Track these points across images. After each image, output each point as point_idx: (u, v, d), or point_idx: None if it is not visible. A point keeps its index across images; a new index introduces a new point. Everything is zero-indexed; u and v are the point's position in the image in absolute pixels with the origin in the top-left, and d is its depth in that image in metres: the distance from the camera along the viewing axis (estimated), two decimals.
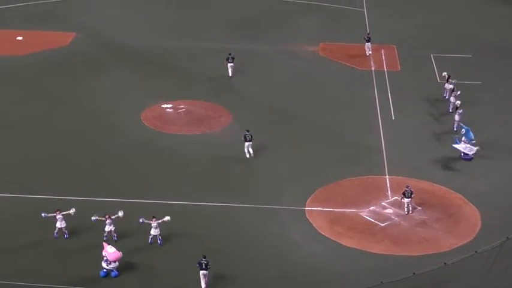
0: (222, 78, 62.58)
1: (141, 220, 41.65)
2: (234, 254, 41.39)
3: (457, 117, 53.96)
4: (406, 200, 44.90)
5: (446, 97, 58.39)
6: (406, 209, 44.99)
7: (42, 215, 41.89)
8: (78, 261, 40.36)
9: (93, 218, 41.71)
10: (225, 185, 47.87)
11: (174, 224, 42.37)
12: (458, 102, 55.07)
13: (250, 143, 50.51)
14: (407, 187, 45.15)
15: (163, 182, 47.86)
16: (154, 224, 41.48)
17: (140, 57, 66.69)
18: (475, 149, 50.60)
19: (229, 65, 62.88)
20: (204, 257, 39.26)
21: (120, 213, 41.98)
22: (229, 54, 63.25)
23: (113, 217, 41.70)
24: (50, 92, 59.75)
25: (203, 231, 42.93)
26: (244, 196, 46.53)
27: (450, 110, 56.51)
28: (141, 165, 49.70)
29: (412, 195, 44.90)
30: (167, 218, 41.82)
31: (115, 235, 41.72)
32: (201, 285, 39.21)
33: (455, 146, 50.99)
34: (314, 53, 68.82)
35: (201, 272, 39.26)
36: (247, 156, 50.61)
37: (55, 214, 41.80)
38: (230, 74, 62.82)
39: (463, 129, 51.35)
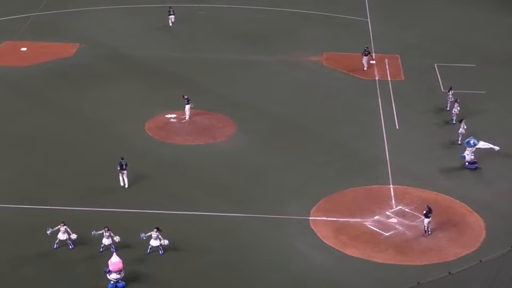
0: (227, 88, 62.70)
1: (142, 236, 41.47)
2: (238, 264, 41.35)
3: (461, 131, 53.63)
4: (427, 220, 43.96)
5: (448, 108, 58.34)
6: (427, 230, 44.12)
7: (48, 233, 41.58)
8: (83, 272, 40.29)
9: (92, 232, 41.54)
10: (229, 195, 47.86)
11: (178, 234, 42.42)
12: (464, 123, 54.42)
13: (189, 105, 56.60)
14: (429, 208, 43.91)
15: (167, 192, 47.89)
16: (154, 235, 41.28)
17: (144, 68, 66.85)
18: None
19: (170, 16, 75.62)
20: (122, 159, 47.70)
21: (116, 239, 41.49)
22: (170, 7, 76.21)
23: (112, 235, 41.35)
24: (54, 103, 59.88)
25: (208, 241, 42.91)
26: (249, 206, 46.52)
27: (454, 122, 56.46)
28: (145, 175, 49.69)
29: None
30: (166, 241, 41.42)
31: (113, 247, 41.18)
32: (121, 184, 47.81)
33: (466, 154, 51.13)
34: (318, 62, 68.90)
35: (121, 171, 47.55)
36: (188, 118, 56.86)
37: (59, 226, 41.56)
38: (170, 24, 75.48)
39: (466, 144, 51.36)
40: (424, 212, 43.95)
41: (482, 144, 51.52)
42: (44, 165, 50.80)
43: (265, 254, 42.24)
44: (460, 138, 53.55)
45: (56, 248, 41.75)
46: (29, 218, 44.71)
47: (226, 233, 43.87)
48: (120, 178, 48.04)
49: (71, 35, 73.50)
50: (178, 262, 41.34)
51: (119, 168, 47.91)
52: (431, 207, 43.96)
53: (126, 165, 47.91)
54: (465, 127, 53.54)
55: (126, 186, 48.05)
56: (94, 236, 41.56)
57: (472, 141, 50.97)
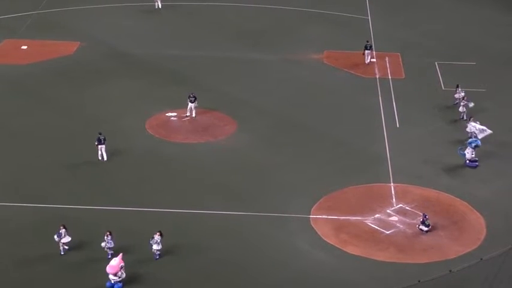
0: (228, 86, 62.68)
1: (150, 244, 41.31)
2: (238, 262, 41.37)
3: (471, 128, 53.37)
4: (424, 229, 43.99)
5: (455, 103, 58.30)
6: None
7: (56, 238, 41.07)
8: (83, 271, 40.27)
9: (151, 245, 41.08)
10: (230, 193, 47.86)
11: (179, 233, 42.41)
12: (473, 120, 54.23)
13: (194, 104, 56.90)
14: (426, 217, 44.15)
15: (168, 191, 47.87)
16: (157, 238, 40.76)
17: (145, 66, 66.78)
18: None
19: (158, 1, 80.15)
20: (100, 133, 50.28)
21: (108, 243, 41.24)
22: None
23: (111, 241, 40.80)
24: (55, 101, 59.84)
25: (209, 240, 42.92)
26: (249, 204, 46.52)
27: (465, 118, 56.11)
28: (145, 174, 49.74)
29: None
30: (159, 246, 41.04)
31: (110, 252, 40.55)
32: (99, 158, 50.35)
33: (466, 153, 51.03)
34: (319, 61, 68.83)
35: (99, 146, 50.19)
36: (188, 114, 57.01)
37: (60, 228, 41.05)
38: (160, 7, 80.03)
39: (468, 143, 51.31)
40: (421, 220, 44.04)
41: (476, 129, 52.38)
42: (44, 163, 50.73)
43: (266, 252, 42.23)
44: (470, 134, 53.10)
45: (63, 253, 41.32)
46: (29, 217, 44.69)
47: (227, 231, 43.85)
48: (99, 153, 50.52)
49: (72, 33, 73.42)
50: (179, 260, 41.30)
51: (96, 143, 50.31)
52: (427, 216, 44.01)
53: (104, 139, 50.31)
54: (473, 123, 53.18)
55: (105, 159, 50.57)
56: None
57: (473, 144, 50.97)
